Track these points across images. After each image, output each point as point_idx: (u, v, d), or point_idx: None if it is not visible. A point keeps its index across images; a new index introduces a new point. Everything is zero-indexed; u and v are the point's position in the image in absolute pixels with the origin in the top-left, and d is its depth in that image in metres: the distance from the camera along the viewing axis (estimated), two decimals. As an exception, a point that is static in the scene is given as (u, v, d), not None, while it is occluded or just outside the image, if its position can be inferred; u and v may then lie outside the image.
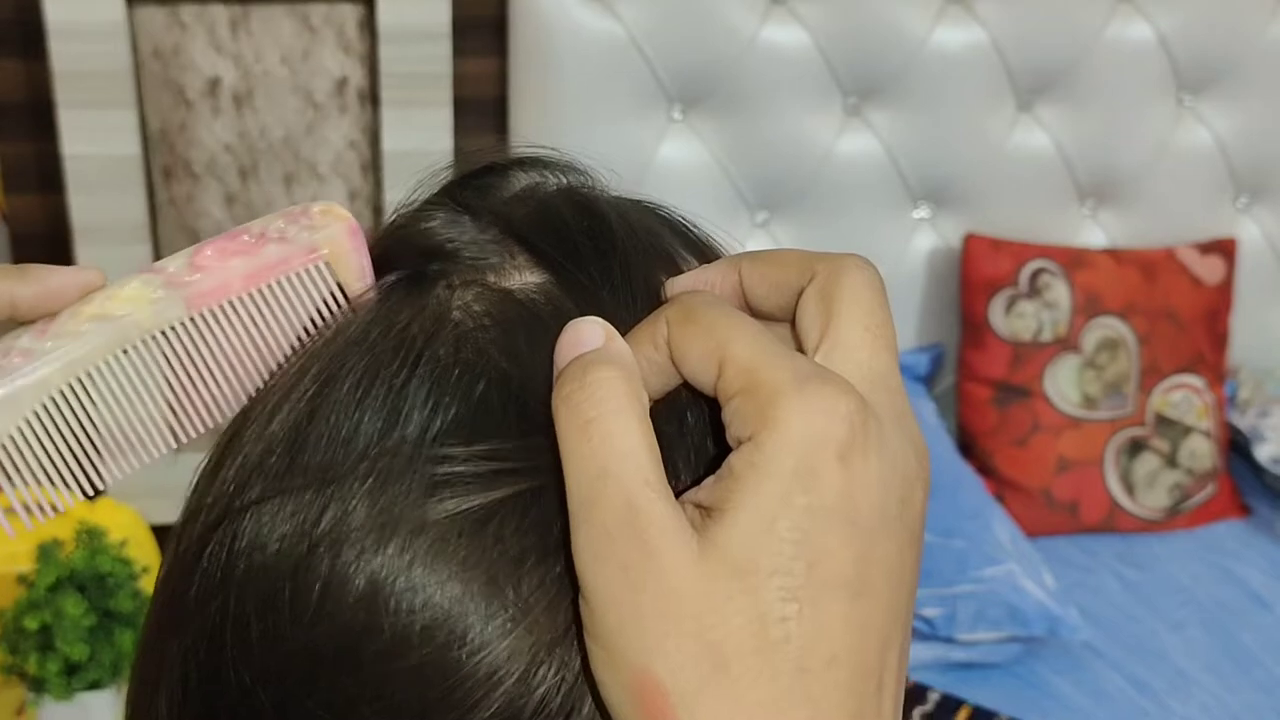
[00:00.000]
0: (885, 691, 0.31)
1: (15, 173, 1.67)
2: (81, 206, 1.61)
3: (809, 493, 0.30)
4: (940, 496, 1.65)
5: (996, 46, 1.80)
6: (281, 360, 0.36)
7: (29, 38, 1.58)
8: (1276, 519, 1.87)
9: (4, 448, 0.34)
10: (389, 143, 1.65)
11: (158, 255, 1.72)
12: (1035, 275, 1.84)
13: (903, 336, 1.94)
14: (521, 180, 0.40)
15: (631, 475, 0.30)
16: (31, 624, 1.38)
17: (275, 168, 1.71)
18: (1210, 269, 1.92)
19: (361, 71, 1.69)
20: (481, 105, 1.73)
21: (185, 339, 0.35)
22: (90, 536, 1.48)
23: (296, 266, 0.35)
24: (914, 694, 1.45)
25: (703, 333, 0.32)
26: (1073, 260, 1.85)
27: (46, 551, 1.45)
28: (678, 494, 0.31)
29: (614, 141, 1.71)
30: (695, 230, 0.41)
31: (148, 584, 1.49)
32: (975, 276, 1.84)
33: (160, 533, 1.61)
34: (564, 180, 0.40)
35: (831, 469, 0.30)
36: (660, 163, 1.76)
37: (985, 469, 1.81)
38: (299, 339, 0.36)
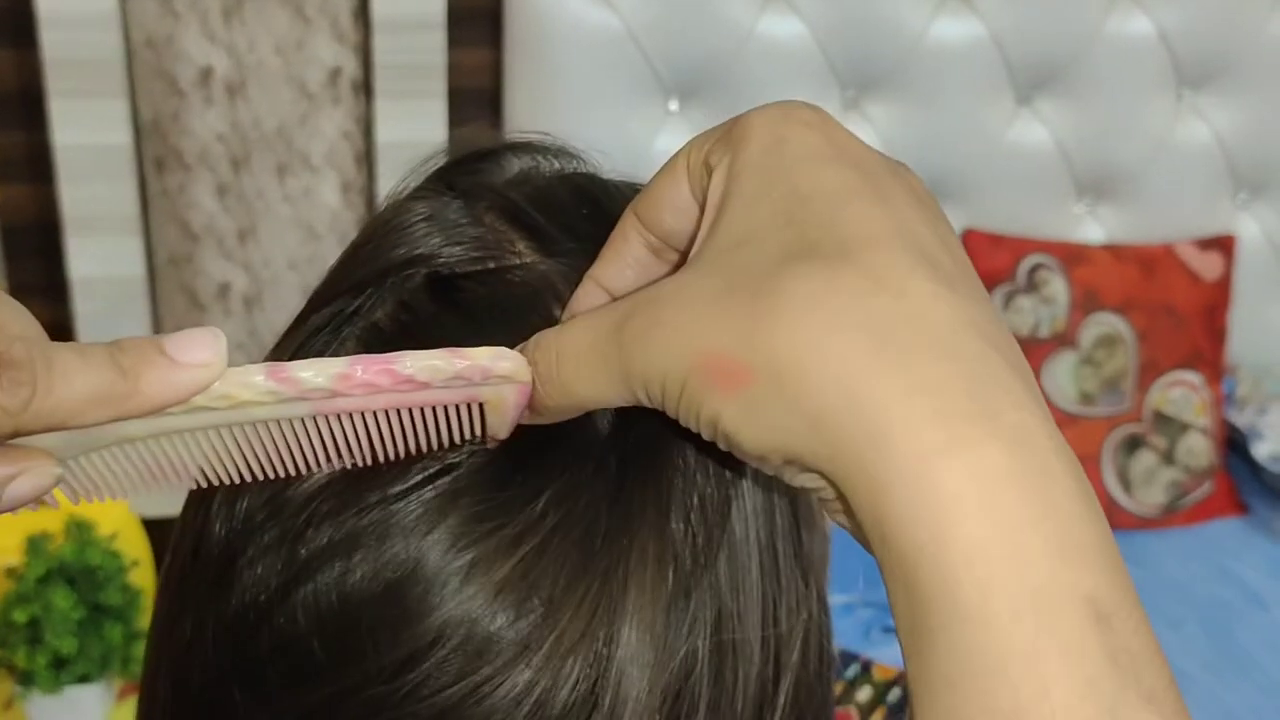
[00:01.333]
0: (955, 252, 0.30)
1: (5, 163, 1.66)
2: (72, 197, 1.60)
3: (786, 153, 0.30)
4: (936, 492, 1.64)
5: (995, 40, 1.79)
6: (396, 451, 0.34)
7: (20, 26, 1.56)
8: (1274, 517, 1.87)
9: (68, 469, 0.32)
10: (383, 134, 1.64)
11: (149, 247, 1.71)
12: (1033, 270, 1.83)
13: (900, 332, 1.93)
14: (515, 165, 0.39)
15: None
16: (20, 617, 1.37)
17: (268, 158, 1.70)
18: (1209, 265, 1.91)
19: (355, 62, 1.68)
20: (476, 96, 1.71)
21: (301, 432, 0.32)
22: (80, 529, 1.48)
23: (452, 404, 0.32)
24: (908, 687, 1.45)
25: (693, 145, 0.33)
26: (1071, 256, 1.85)
27: (36, 544, 1.45)
28: None
29: (610, 133, 1.70)
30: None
31: (137, 577, 1.48)
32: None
33: (151, 527, 1.60)
34: (557, 164, 0.40)
35: (801, 133, 0.30)
36: (656, 155, 1.75)
37: (982, 465, 1.80)
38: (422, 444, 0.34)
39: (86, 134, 1.58)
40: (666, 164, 0.34)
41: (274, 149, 1.70)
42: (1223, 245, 1.93)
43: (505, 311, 0.35)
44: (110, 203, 1.61)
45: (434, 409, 0.32)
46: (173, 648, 0.36)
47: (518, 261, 0.36)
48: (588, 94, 1.70)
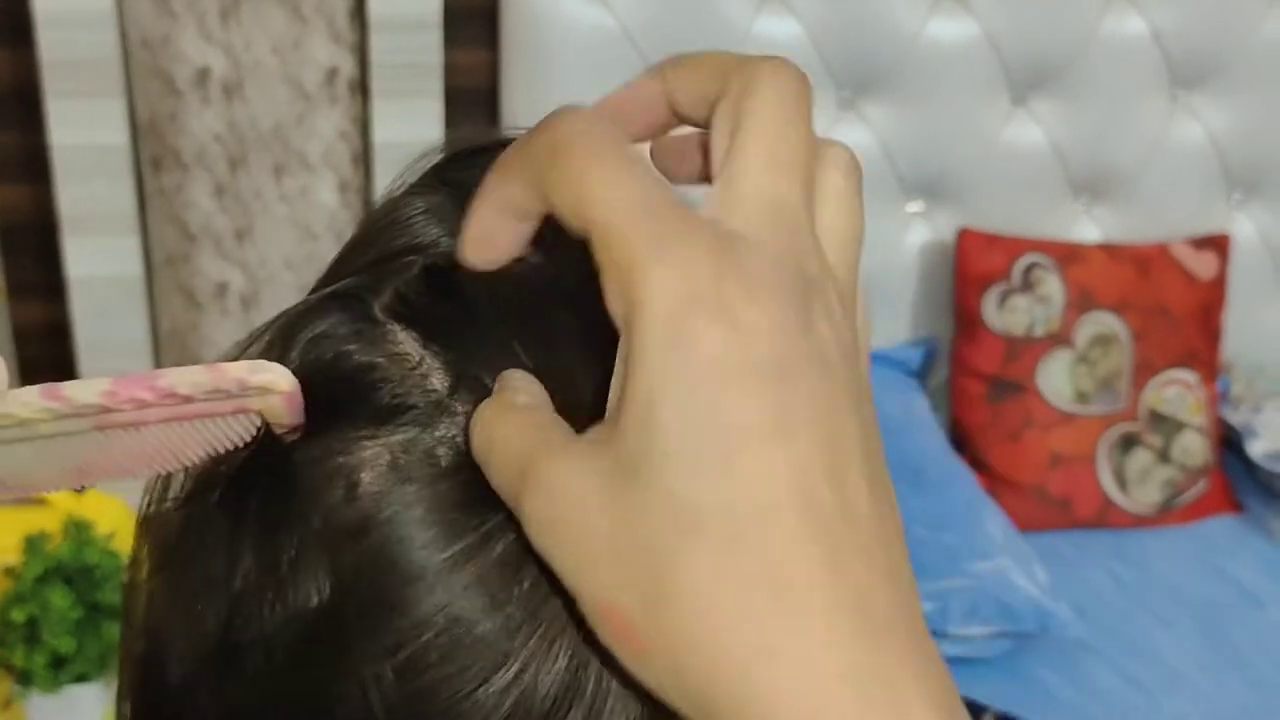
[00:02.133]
0: (862, 510, 0.28)
1: (2, 163, 1.66)
2: (69, 197, 1.60)
3: (685, 363, 0.27)
4: (932, 491, 1.64)
5: (991, 40, 1.79)
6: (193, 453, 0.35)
7: (17, 26, 1.57)
8: (1269, 515, 1.87)
9: None
10: (379, 133, 1.64)
11: (147, 246, 1.71)
12: (1029, 270, 1.83)
13: (896, 331, 1.93)
14: None
15: (535, 442, 0.29)
16: (18, 616, 1.37)
17: (265, 158, 1.70)
18: (1204, 264, 1.92)
19: (352, 62, 1.68)
20: (472, 96, 1.72)
21: (90, 441, 0.34)
22: (77, 528, 1.48)
23: (224, 415, 0.34)
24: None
25: (565, 185, 0.29)
26: (1066, 255, 1.85)
27: (33, 543, 1.45)
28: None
29: (606, 133, 1.70)
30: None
31: (135, 577, 1.48)
32: (968, 271, 1.83)
33: (148, 525, 1.59)
34: None
35: (704, 329, 0.27)
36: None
37: (978, 464, 1.80)
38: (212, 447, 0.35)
39: (83, 134, 1.58)
40: (700, 63, 0.33)
41: (271, 149, 1.70)
42: (1217, 245, 1.93)
43: (503, 302, 0.34)
44: (107, 202, 1.61)
45: (213, 421, 0.34)
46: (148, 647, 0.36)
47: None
48: (584, 94, 1.69)
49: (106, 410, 0.33)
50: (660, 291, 0.27)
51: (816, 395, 0.28)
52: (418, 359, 0.34)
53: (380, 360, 0.34)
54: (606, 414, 0.29)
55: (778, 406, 0.27)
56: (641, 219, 0.28)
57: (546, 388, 0.33)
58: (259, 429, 0.34)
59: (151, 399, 0.33)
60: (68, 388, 0.33)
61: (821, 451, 0.28)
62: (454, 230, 0.35)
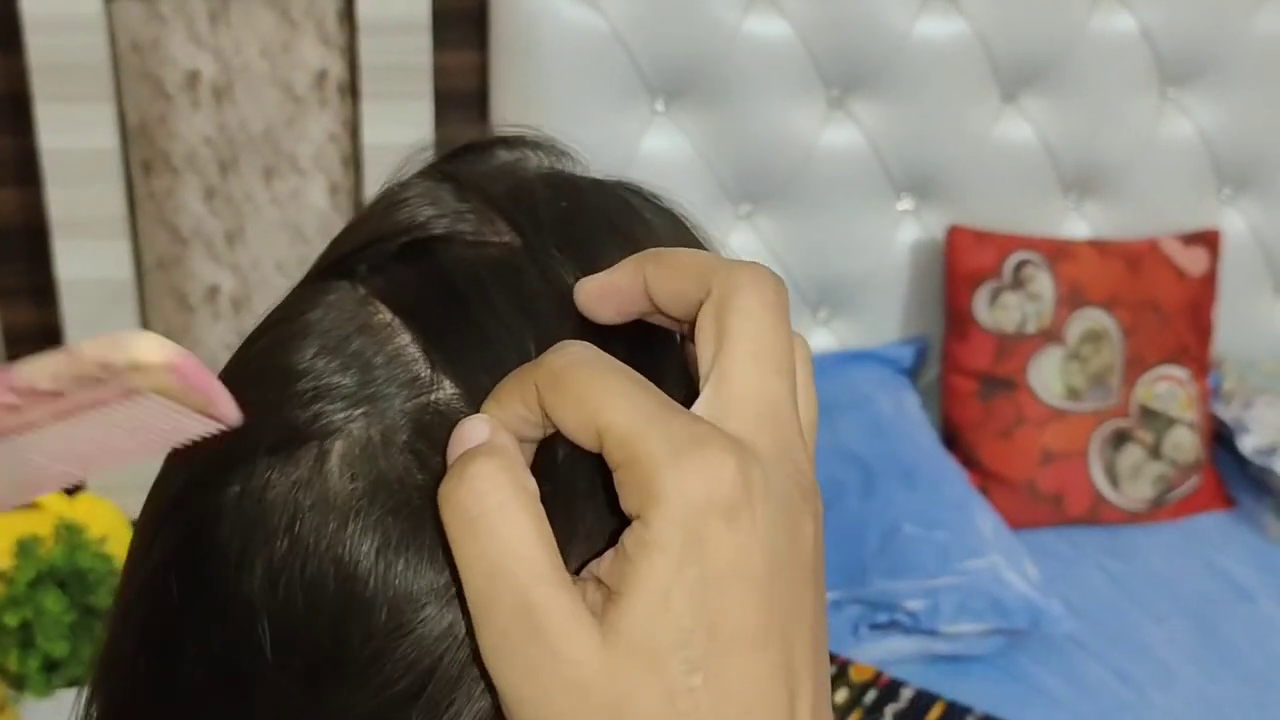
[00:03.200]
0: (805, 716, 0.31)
1: (-7, 167, 1.66)
2: (59, 201, 1.60)
3: (700, 562, 0.30)
4: (924, 489, 1.65)
5: (980, 38, 1.80)
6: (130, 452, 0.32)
7: (6, 31, 1.57)
8: (1260, 511, 1.88)
9: None
10: (369, 136, 1.64)
11: (137, 250, 1.71)
12: (1019, 267, 1.84)
13: (887, 329, 1.93)
14: (504, 158, 0.40)
15: (523, 572, 0.30)
16: (11, 621, 1.37)
17: (255, 161, 1.70)
18: (1194, 260, 1.92)
19: (341, 64, 1.68)
20: (462, 98, 1.72)
21: None
22: (70, 533, 1.48)
23: (114, 403, 0.30)
24: (888, 690, 1.45)
25: (574, 402, 0.31)
26: (1056, 252, 1.85)
27: (26, 548, 1.45)
28: (582, 561, 0.32)
29: (596, 134, 1.70)
30: (676, 210, 0.41)
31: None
32: (959, 268, 1.84)
33: (141, 528, 1.60)
34: (546, 160, 0.41)
35: (719, 534, 0.30)
36: (643, 156, 1.76)
37: (969, 461, 1.81)
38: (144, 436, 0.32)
39: (73, 138, 1.58)
40: (682, 264, 0.34)
41: (261, 152, 1.70)
42: (1207, 240, 1.93)
43: (475, 275, 0.35)
44: (98, 206, 1.61)
45: (111, 409, 0.30)
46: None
47: (498, 240, 0.36)
48: (573, 95, 1.70)
49: None
50: (680, 491, 0.30)
51: (790, 602, 0.31)
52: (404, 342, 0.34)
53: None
54: (609, 582, 0.31)
55: (764, 615, 0.30)
56: (656, 423, 0.30)
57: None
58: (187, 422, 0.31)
59: (17, 400, 0.30)
60: None
61: (782, 655, 0.31)
62: (443, 212, 0.37)
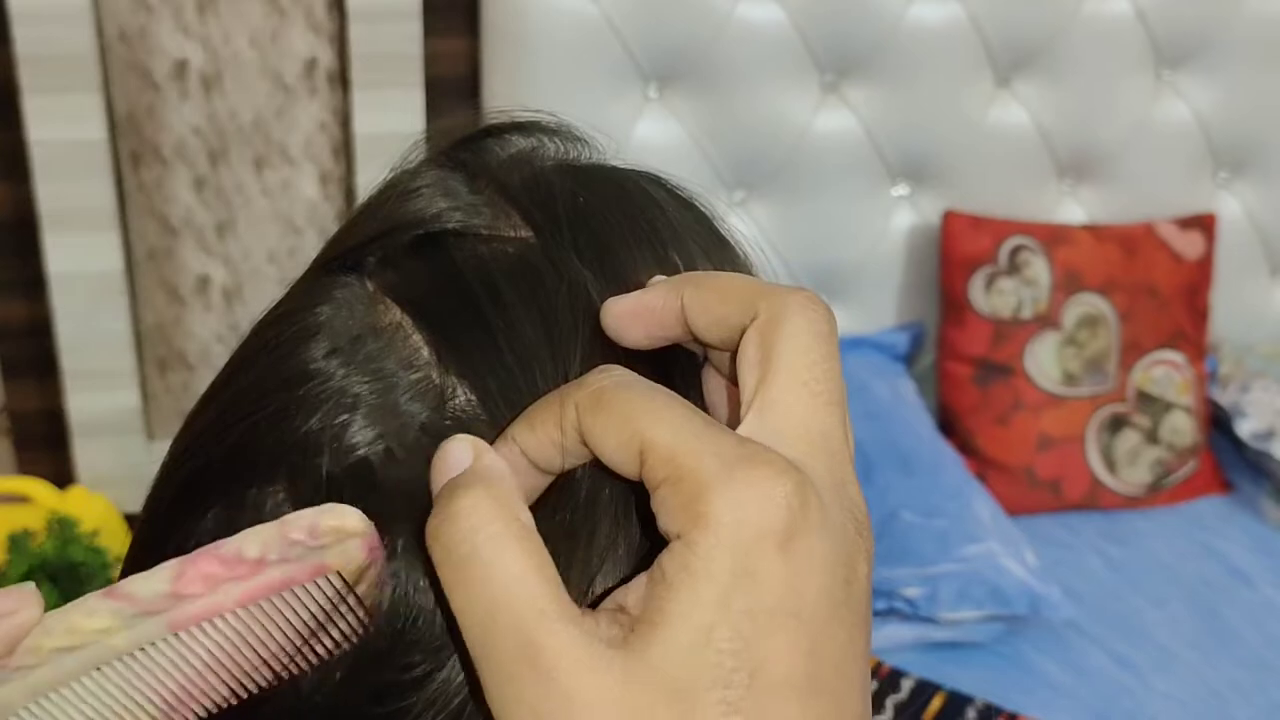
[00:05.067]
0: None
1: (-19, 159, 1.64)
2: (49, 193, 1.58)
3: (749, 594, 0.27)
4: (921, 476, 1.64)
5: (974, 21, 1.79)
6: (281, 654, 0.32)
7: (-8, 21, 1.55)
8: (1258, 494, 1.87)
9: None
10: (360, 125, 1.63)
11: (127, 241, 1.70)
12: (1015, 252, 1.83)
13: (882, 315, 1.93)
14: (518, 145, 0.39)
15: (524, 609, 0.27)
16: (2, 616, 1.36)
17: (245, 151, 1.69)
18: (1190, 244, 1.91)
19: (331, 53, 1.67)
20: (453, 86, 1.71)
21: (168, 652, 0.31)
22: (62, 526, 1.47)
23: (302, 582, 0.31)
24: (889, 681, 1.45)
25: (618, 421, 0.29)
26: (1052, 237, 1.85)
27: (17, 542, 1.44)
28: (601, 593, 0.30)
29: (589, 121, 1.67)
30: (699, 202, 0.40)
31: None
32: (955, 254, 1.83)
33: (134, 522, 1.59)
34: (562, 147, 0.39)
35: (772, 564, 0.27)
36: (636, 142, 1.75)
37: (966, 447, 1.80)
38: (300, 634, 0.31)
39: (61, 129, 1.56)
40: (725, 288, 0.32)
41: (251, 142, 1.69)
42: (1203, 224, 1.93)
43: (490, 275, 0.34)
44: (87, 198, 1.60)
45: (294, 593, 0.31)
46: None
47: (512, 234, 0.35)
48: (566, 82, 1.69)
49: (178, 597, 0.30)
50: (732, 512, 0.27)
51: (842, 651, 0.29)
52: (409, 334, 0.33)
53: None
54: (639, 614, 0.28)
55: (815, 661, 0.28)
56: (706, 440, 0.28)
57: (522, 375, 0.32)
58: (340, 592, 0.31)
59: (221, 571, 0.30)
60: (130, 583, 0.30)
61: (833, 705, 0.28)
62: (457, 204, 0.36)
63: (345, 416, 0.32)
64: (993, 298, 1.82)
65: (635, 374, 0.31)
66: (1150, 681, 1.52)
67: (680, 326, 0.33)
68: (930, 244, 1.88)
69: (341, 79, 1.67)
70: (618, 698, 0.27)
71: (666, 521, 0.28)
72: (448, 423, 0.32)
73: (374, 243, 0.35)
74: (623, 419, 0.29)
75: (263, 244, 1.74)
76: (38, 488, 1.60)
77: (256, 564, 0.30)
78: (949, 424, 1.83)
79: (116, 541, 1.56)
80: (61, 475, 1.74)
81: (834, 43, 1.76)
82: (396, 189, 0.37)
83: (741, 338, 0.31)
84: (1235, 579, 1.71)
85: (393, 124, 1.61)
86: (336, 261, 0.36)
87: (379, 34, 1.60)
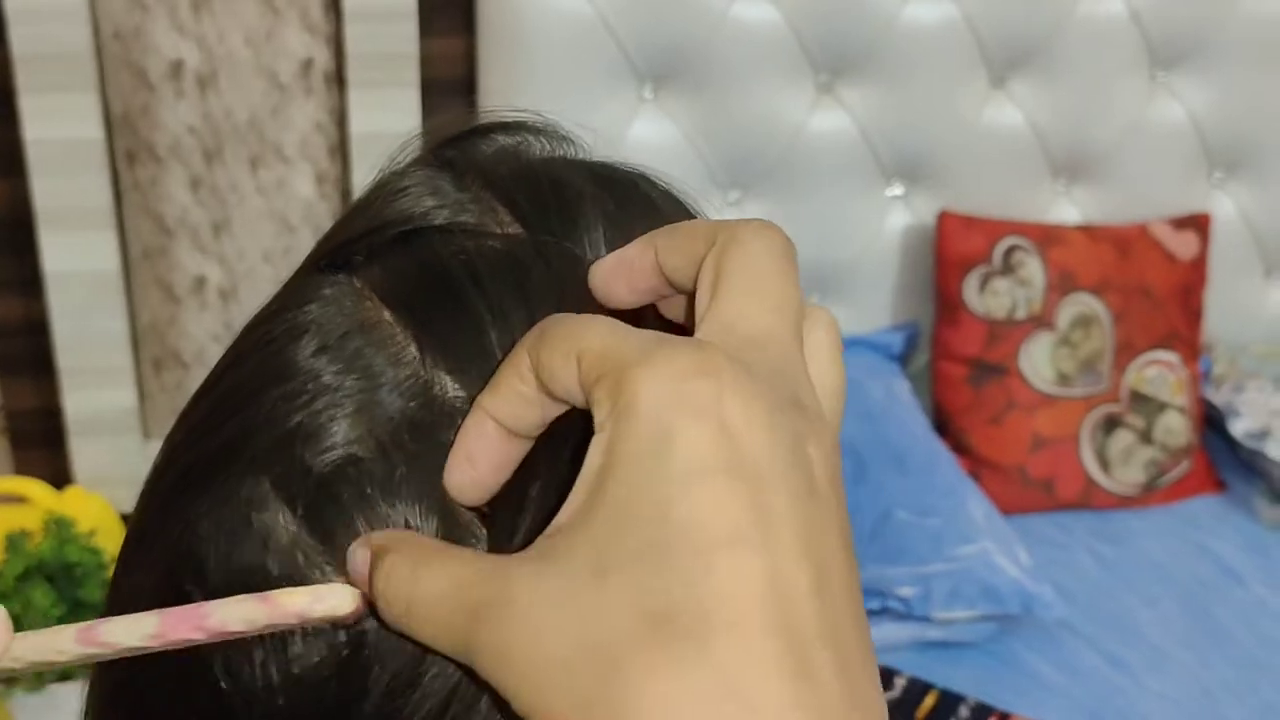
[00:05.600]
0: (842, 637, 0.27)
1: (-24, 158, 1.64)
2: (44, 191, 1.59)
3: (668, 458, 0.27)
4: (915, 475, 1.65)
5: (969, 22, 1.79)
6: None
7: (-12, 21, 1.55)
8: (1252, 494, 1.88)
9: None
10: (356, 124, 1.63)
11: (123, 240, 1.70)
12: (1009, 252, 1.83)
13: (877, 315, 1.93)
14: (503, 143, 0.39)
15: (464, 603, 0.28)
16: (-2, 615, 1.36)
17: (241, 150, 1.69)
18: (1184, 244, 1.92)
19: (327, 52, 1.67)
20: (449, 85, 1.71)
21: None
22: (59, 526, 1.47)
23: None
24: (881, 679, 1.45)
25: (559, 343, 0.30)
26: (1046, 237, 1.85)
27: (14, 542, 1.44)
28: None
29: (584, 121, 1.68)
30: (684, 197, 0.40)
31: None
32: (949, 254, 1.83)
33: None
34: (547, 145, 0.40)
35: (690, 427, 0.27)
36: (631, 142, 1.75)
37: (960, 447, 1.80)
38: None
39: (57, 128, 1.57)
40: (690, 229, 0.33)
41: (246, 141, 1.69)
42: (1198, 224, 1.93)
43: (476, 270, 0.34)
44: (83, 197, 1.60)
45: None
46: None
47: (499, 230, 0.36)
48: (561, 81, 1.69)
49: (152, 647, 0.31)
50: (646, 390, 0.27)
51: (800, 510, 0.27)
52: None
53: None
54: (563, 522, 0.28)
55: (758, 514, 0.26)
56: (632, 339, 0.28)
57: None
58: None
59: (203, 639, 0.30)
60: (107, 629, 0.30)
61: (801, 568, 0.27)
62: (444, 202, 0.36)
63: (332, 412, 0.33)
64: (987, 298, 1.82)
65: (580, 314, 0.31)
66: (1143, 680, 1.52)
67: (658, 276, 0.33)
68: (925, 244, 1.88)
69: (337, 78, 1.68)
70: (550, 594, 0.27)
71: (597, 417, 0.28)
72: (435, 417, 0.32)
73: (361, 240, 0.36)
74: (563, 339, 0.29)
75: (258, 243, 1.74)
76: (35, 488, 1.60)
77: (239, 634, 0.31)
78: (943, 424, 1.84)
79: (113, 541, 1.57)
80: (58, 473, 1.75)
81: (829, 42, 1.76)
82: (385, 189, 0.37)
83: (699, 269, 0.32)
84: (1228, 578, 1.71)
85: (389, 124, 1.61)
86: (326, 260, 0.36)
87: (375, 33, 1.60)
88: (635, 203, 0.38)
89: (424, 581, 0.29)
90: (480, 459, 0.31)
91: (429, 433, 0.32)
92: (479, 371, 0.33)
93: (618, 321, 0.30)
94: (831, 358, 0.33)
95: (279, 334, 0.35)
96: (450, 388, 0.33)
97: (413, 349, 0.33)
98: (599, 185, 0.38)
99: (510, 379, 0.31)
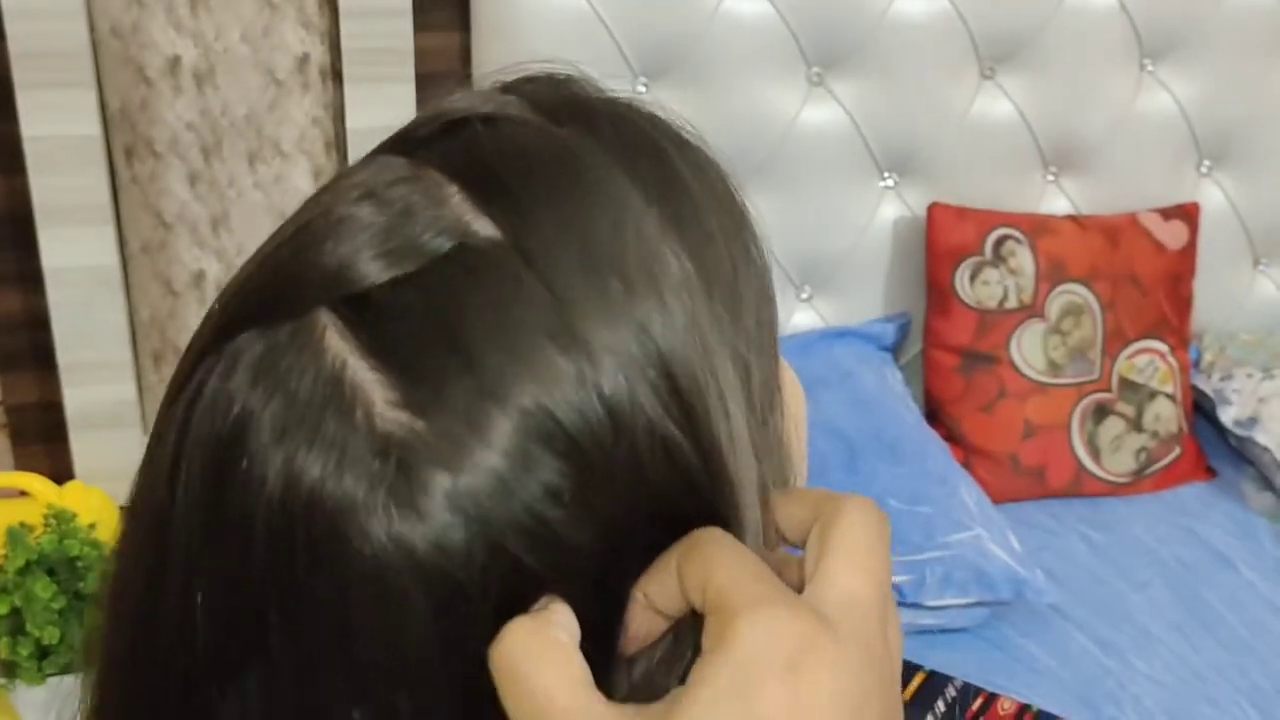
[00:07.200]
0: None
1: (-25, 155, 1.65)
2: (43, 188, 1.59)
3: (745, 702, 0.31)
4: (907, 464, 1.66)
5: (958, 14, 1.80)
6: None
7: (-15, 18, 1.56)
8: (1241, 481, 1.90)
9: None
10: (352, 119, 1.64)
11: (122, 235, 1.71)
12: (999, 243, 1.85)
13: (869, 306, 1.94)
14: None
15: (549, 706, 0.32)
16: (1, 608, 1.38)
17: (239, 146, 1.70)
18: (1173, 234, 1.93)
19: (323, 48, 1.68)
20: (444, 80, 1.72)
21: None
22: (60, 520, 1.48)
23: None
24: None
25: (698, 565, 0.34)
26: (1036, 227, 1.86)
27: (15, 535, 1.45)
28: None
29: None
30: (686, 130, 0.44)
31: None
32: (940, 245, 1.85)
33: (130, 514, 1.60)
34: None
35: (771, 684, 0.31)
36: (625, 136, 1.76)
37: (952, 436, 1.82)
38: None
39: (55, 124, 1.57)
40: (802, 497, 0.39)
41: (244, 136, 1.70)
42: (1186, 214, 1.95)
43: (517, 145, 0.38)
44: (81, 193, 1.61)
45: None
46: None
47: (556, 128, 0.39)
48: (556, 76, 1.70)
49: None
50: (744, 639, 0.31)
51: None
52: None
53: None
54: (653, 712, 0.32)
55: None
56: (749, 582, 0.33)
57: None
58: None
59: None
60: None
61: None
62: (494, 102, 0.40)
63: (373, 246, 0.35)
64: (978, 288, 1.84)
65: (730, 536, 0.35)
66: (1132, 664, 1.54)
67: (775, 536, 0.39)
68: (916, 235, 1.90)
69: (334, 74, 1.69)
70: None
71: (705, 642, 0.33)
72: (471, 256, 0.34)
73: (413, 129, 0.39)
74: (701, 562, 0.34)
75: (257, 238, 1.74)
76: (35, 483, 1.61)
77: None
78: (935, 413, 1.86)
79: (114, 533, 1.58)
80: (58, 468, 1.75)
81: (820, 35, 1.77)
82: (437, 101, 0.41)
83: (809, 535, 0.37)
84: (1217, 563, 1.73)
85: (385, 118, 1.61)
86: (380, 147, 0.40)
87: (371, 29, 1.61)
88: (680, 134, 0.43)
89: (537, 663, 0.33)
90: (629, 623, 0.35)
91: (469, 269, 0.34)
92: (519, 214, 0.35)
93: (748, 557, 0.34)
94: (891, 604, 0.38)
95: (328, 190, 0.38)
96: (490, 228, 0.35)
97: (458, 196, 0.36)
98: (644, 114, 0.42)
99: (662, 570, 0.35)
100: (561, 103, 0.41)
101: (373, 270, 0.34)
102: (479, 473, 0.32)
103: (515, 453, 0.33)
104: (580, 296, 0.34)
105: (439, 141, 0.38)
